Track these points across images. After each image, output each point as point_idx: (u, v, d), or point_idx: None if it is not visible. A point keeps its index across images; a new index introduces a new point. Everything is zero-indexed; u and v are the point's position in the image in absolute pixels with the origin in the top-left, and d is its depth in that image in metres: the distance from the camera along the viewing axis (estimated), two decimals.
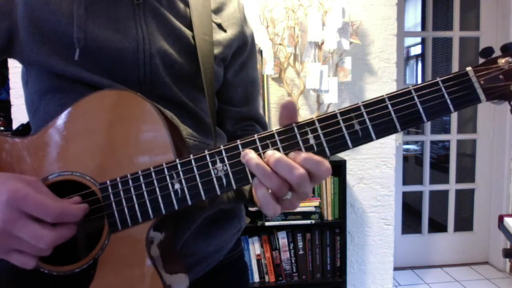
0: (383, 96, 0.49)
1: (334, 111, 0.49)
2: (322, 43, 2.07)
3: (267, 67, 2.09)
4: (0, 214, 0.45)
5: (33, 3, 0.57)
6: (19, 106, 2.12)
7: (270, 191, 0.47)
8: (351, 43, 2.12)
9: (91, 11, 0.59)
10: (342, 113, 0.49)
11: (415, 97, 0.48)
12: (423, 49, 4.15)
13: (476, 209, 2.99)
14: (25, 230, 0.46)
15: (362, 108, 0.49)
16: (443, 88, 0.48)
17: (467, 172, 3.03)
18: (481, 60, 0.50)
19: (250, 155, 0.48)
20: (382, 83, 2.35)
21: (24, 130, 0.70)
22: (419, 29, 4.14)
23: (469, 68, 0.48)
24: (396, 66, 2.35)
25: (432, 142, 3.19)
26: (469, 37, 2.97)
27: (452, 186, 2.97)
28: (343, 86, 2.28)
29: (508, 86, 0.47)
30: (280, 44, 2.11)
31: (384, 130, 0.48)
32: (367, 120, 0.48)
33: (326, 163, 0.47)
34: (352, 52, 2.25)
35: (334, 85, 2.08)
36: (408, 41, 4.53)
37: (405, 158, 3.59)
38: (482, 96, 0.47)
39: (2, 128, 2.64)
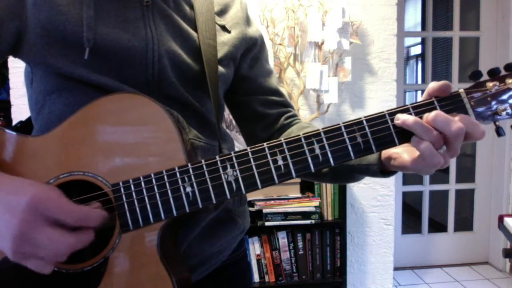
0: (383, 112, 0.52)
1: (339, 124, 0.53)
2: (322, 43, 2.07)
3: None
4: (19, 215, 0.44)
5: (42, 4, 0.57)
6: (19, 106, 2.12)
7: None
8: (351, 43, 2.12)
9: (100, 12, 0.59)
10: (346, 126, 0.52)
11: (413, 114, 0.52)
12: (423, 49, 4.16)
13: (476, 209, 2.99)
14: (43, 234, 0.44)
15: (364, 122, 0.52)
16: (438, 107, 0.52)
17: (467, 172, 3.03)
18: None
19: (404, 117, 0.51)
20: (382, 83, 2.35)
21: (23, 127, 0.69)
22: (419, 29, 4.14)
23: (461, 90, 0.52)
24: (396, 66, 2.35)
25: None
26: (469, 37, 2.97)
27: (452, 186, 2.97)
28: (343, 86, 2.28)
29: (494, 108, 0.51)
30: (280, 44, 2.11)
31: (384, 143, 0.52)
32: (369, 134, 0.52)
33: (482, 127, 0.50)
34: (352, 52, 2.24)
35: (334, 85, 2.08)
36: (408, 41, 4.53)
37: None
38: (472, 116, 0.52)
39: None
